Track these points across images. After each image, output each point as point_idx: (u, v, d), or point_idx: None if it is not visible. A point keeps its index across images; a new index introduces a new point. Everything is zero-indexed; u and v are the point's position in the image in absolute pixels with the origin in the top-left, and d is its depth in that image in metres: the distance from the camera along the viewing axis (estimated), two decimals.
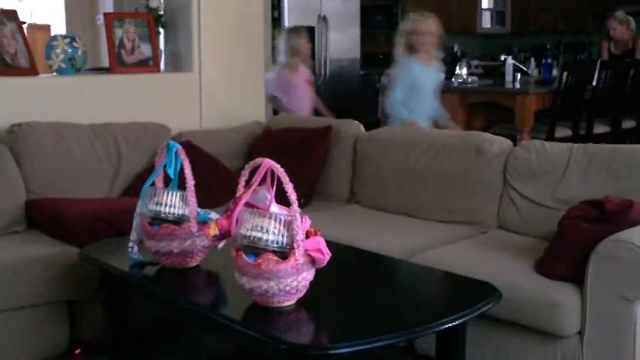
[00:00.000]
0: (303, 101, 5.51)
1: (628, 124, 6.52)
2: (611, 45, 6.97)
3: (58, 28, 6.84)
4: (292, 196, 2.07)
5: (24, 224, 3.34)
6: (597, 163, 3.12)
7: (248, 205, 2.20)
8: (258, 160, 2.16)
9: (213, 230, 2.24)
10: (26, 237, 3.22)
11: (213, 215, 2.48)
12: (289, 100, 5.48)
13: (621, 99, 6.32)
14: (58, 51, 3.91)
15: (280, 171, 2.11)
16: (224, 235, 2.25)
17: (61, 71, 3.93)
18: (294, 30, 5.78)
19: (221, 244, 2.38)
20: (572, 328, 2.53)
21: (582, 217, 2.70)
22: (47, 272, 2.93)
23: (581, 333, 2.54)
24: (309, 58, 5.83)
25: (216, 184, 3.58)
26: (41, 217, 3.32)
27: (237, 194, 2.22)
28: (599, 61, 6.29)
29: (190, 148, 3.52)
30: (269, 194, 2.20)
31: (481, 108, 6.45)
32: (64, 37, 4.04)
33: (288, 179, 2.10)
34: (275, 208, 2.18)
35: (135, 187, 3.45)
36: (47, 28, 7.08)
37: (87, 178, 3.64)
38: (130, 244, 2.57)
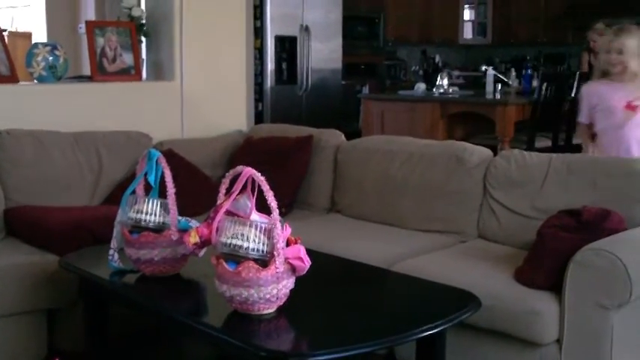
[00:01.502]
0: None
1: None
2: (591, 57, 7.03)
3: (40, 36, 6.82)
4: (273, 203, 2.07)
5: (3, 233, 3.33)
6: (576, 172, 3.15)
7: (229, 213, 2.21)
8: (239, 168, 2.16)
9: (194, 238, 2.24)
10: (5, 245, 3.20)
11: (194, 223, 2.48)
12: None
13: None
14: (39, 59, 3.90)
15: (261, 179, 2.12)
16: (204, 242, 2.25)
17: (41, 79, 3.92)
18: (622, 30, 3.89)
19: (202, 252, 2.38)
20: (550, 336, 2.55)
21: (560, 226, 2.73)
22: (26, 281, 2.92)
23: (559, 341, 2.56)
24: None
25: (196, 192, 3.58)
26: (21, 225, 3.30)
27: (218, 202, 2.23)
28: (577, 73, 6.34)
29: (171, 156, 3.52)
30: (250, 202, 2.21)
31: (462, 118, 6.50)
32: (45, 44, 4.03)
33: (268, 187, 2.10)
34: (256, 216, 2.19)
35: (116, 196, 3.44)
36: (28, 35, 7.06)
37: (68, 187, 3.62)
38: (111, 252, 2.56)
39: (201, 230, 2.22)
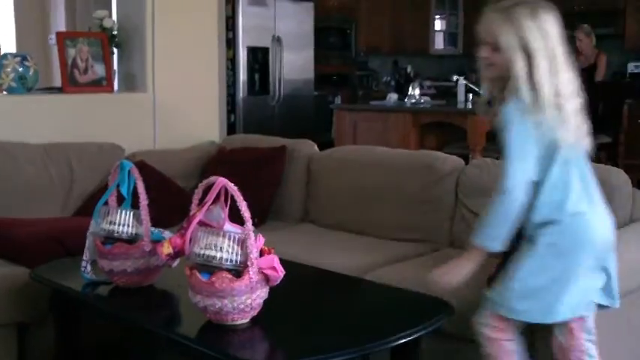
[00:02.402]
0: None
1: None
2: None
3: (9, 46, 6.76)
4: (246, 214, 2.08)
5: None
6: None
7: (202, 223, 2.20)
8: (212, 178, 2.16)
9: (167, 249, 2.23)
10: None
11: (167, 234, 2.47)
12: None
13: None
14: (9, 70, 3.87)
15: (234, 189, 2.12)
16: (178, 253, 2.24)
17: (11, 90, 3.89)
18: None
19: (175, 263, 2.38)
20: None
21: None
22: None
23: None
24: None
25: (169, 203, 3.56)
26: None
27: (191, 212, 2.22)
28: None
29: (144, 168, 3.51)
30: (223, 213, 2.21)
31: (434, 128, 6.54)
32: (15, 55, 4.00)
33: (241, 197, 2.10)
34: (229, 226, 2.19)
35: (88, 207, 3.42)
36: None
37: (38, 198, 3.59)
38: (83, 263, 2.55)
39: (175, 241, 2.22)
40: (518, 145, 2.25)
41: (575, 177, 2.28)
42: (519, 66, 2.21)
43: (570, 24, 7.75)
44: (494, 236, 2.32)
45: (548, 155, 2.25)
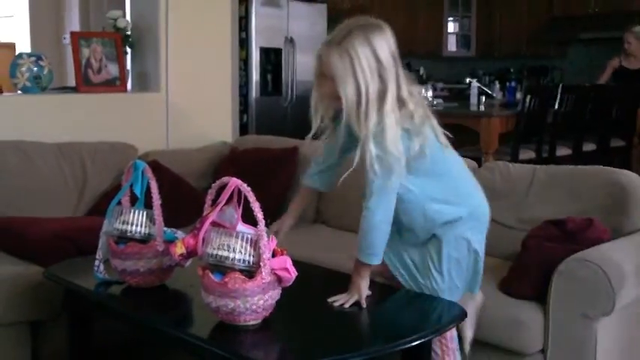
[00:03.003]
0: None
1: (589, 147, 6.63)
2: (622, 58, 7.13)
3: (23, 46, 6.79)
4: (259, 214, 2.08)
5: None
6: (559, 183, 3.17)
7: (215, 224, 2.21)
8: (225, 178, 2.17)
9: (180, 249, 2.24)
10: None
11: (180, 234, 2.48)
12: None
13: (582, 122, 6.44)
14: (24, 69, 3.89)
15: (247, 190, 2.12)
16: (190, 253, 2.25)
17: (26, 90, 3.91)
18: None
19: (187, 263, 2.38)
20: (535, 346, 2.57)
21: (545, 236, 2.75)
22: (10, 292, 2.89)
23: (544, 351, 2.57)
24: None
25: (182, 204, 3.58)
26: (4, 236, 3.28)
27: (204, 213, 2.23)
28: (560, 85, 6.40)
29: (157, 167, 3.52)
30: (236, 213, 2.21)
31: (446, 130, 6.50)
32: (29, 55, 4.02)
33: (254, 198, 2.11)
34: (242, 227, 2.19)
35: (100, 207, 3.44)
36: (12, 46, 7.02)
37: (52, 198, 3.61)
38: (96, 262, 2.55)
39: (188, 241, 2.22)
40: None
41: None
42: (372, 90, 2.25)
43: (577, 29, 7.60)
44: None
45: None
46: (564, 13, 8.91)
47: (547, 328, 2.55)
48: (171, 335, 2.25)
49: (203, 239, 2.18)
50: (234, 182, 2.15)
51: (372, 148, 2.27)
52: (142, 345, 2.95)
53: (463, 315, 2.33)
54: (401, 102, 2.31)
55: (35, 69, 3.92)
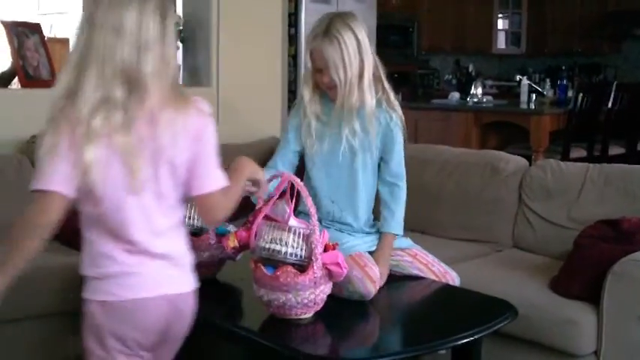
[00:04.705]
0: None
1: None
2: None
3: None
4: (312, 209, 2.09)
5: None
6: (613, 183, 3.12)
7: (267, 217, 2.22)
8: (277, 172, 2.19)
9: (233, 242, 2.26)
10: (47, 248, 3.22)
11: (231, 228, 2.50)
12: None
13: (637, 121, 6.32)
14: None
15: (300, 185, 2.14)
16: (243, 247, 2.27)
17: None
18: None
19: (239, 257, 2.40)
20: (588, 347, 2.53)
21: (598, 236, 2.71)
22: (58, 282, 2.91)
23: (597, 353, 2.54)
24: None
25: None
26: (60, 228, 3.33)
27: (257, 207, 2.24)
28: (614, 83, 6.29)
29: None
30: (288, 207, 2.22)
31: (495, 128, 6.47)
32: None
33: (307, 193, 2.12)
34: (294, 221, 2.20)
35: None
36: (66, 41, 7.14)
37: None
38: None
39: (240, 234, 2.25)
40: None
41: None
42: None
43: (631, 25, 7.39)
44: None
45: None
46: (618, 7, 8.73)
47: (600, 329, 2.52)
48: (223, 328, 2.28)
49: (255, 233, 2.19)
50: (288, 177, 2.17)
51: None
52: (192, 337, 2.97)
53: (514, 312, 2.31)
54: (377, 79, 2.56)
55: None
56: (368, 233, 2.66)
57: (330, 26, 2.48)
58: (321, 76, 2.53)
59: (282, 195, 2.21)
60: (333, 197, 2.61)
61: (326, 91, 2.57)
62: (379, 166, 2.66)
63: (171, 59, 1.73)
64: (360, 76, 2.50)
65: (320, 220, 2.53)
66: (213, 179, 1.77)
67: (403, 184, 2.67)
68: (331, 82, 2.51)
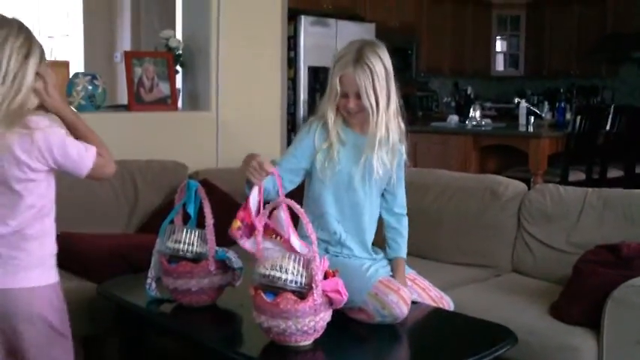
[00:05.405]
0: None
1: None
2: None
3: (77, 65, 6.94)
4: (312, 236, 2.09)
5: None
6: (612, 207, 3.13)
7: (267, 227, 2.23)
8: (279, 200, 2.20)
9: (236, 224, 2.27)
10: None
11: (231, 254, 2.50)
12: None
13: (635, 144, 6.34)
14: (79, 88, 3.97)
15: (300, 210, 2.14)
16: (248, 227, 2.26)
17: (81, 108, 3.99)
18: None
19: (238, 283, 2.41)
20: None
21: (598, 261, 2.71)
22: None
23: None
24: None
25: (231, 222, 3.59)
26: (62, 252, 3.33)
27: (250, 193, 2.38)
28: (612, 106, 6.31)
29: (207, 186, 3.54)
30: (284, 214, 2.22)
31: (494, 151, 6.48)
32: (85, 74, 4.11)
33: (307, 219, 2.12)
34: (295, 239, 2.19)
35: (151, 224, 3.48)
36: (66, 64, 7.18)
37: (104, 214, 3.67)
38: (148, 280, 2.58)
39: (239, 215, 2.26)
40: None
41: None
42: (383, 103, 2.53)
43: (629, 47, 7.38)
44: None
45: None
46: (616, 30, 8.78)
47: (601, 355, 2.51)
48: (222, 354, 2.27)
49: (257, 211, 2.27)
50: (285, 201, 2.18)
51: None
52: None
53: (514, 339, 2.30)
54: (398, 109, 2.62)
55: (90, 88, 4.00)
56: (375, 259, 2.68)
57: (361, 53, 2.50)
58: (346, 102, 2.55)
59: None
60: (339, 219, 2.62)
61: (346, 117, 2.60)
62: (382, 195, 2.71)
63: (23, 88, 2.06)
64: (387, 105, 2.55)
65: (327, 250, 2.59)
66: (85, 159, 2.31)
67: (406, 212, 2.79)
68: (356, 108, 2.54)
